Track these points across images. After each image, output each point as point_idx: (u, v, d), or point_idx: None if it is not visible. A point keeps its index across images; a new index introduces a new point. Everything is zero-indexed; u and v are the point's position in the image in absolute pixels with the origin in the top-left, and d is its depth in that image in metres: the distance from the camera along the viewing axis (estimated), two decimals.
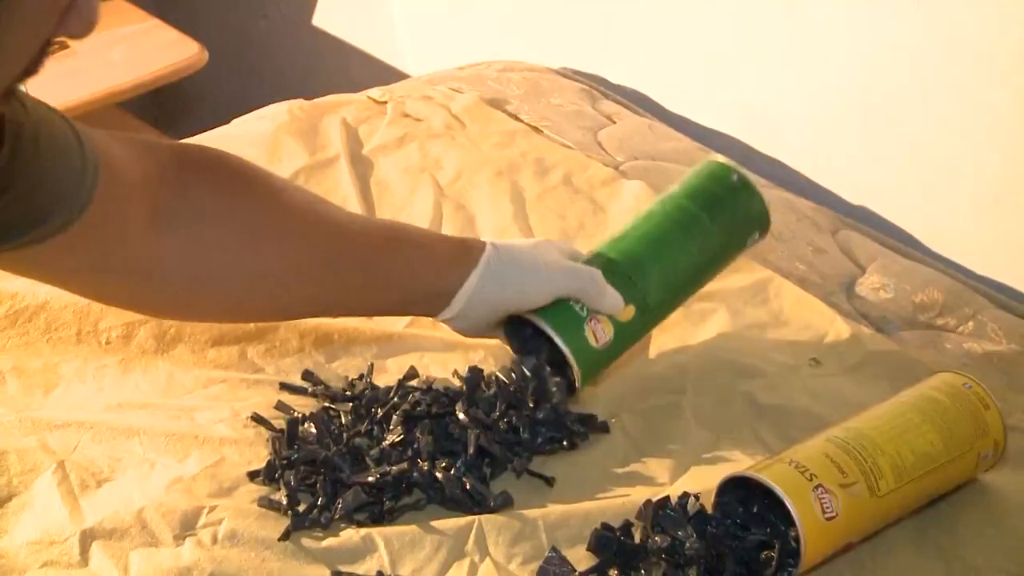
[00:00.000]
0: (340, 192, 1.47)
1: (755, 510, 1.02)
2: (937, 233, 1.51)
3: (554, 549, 1.01)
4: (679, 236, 1.18)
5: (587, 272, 1.11)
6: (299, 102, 1.63)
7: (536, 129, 1.63)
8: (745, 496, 1.02)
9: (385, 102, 1.67)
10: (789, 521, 0.98)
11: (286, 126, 1.57)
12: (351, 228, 1.10)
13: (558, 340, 1.11)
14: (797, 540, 0.97)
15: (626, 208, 1.46)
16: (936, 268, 1.45)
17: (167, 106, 2.60)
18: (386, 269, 1.08)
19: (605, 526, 1.02)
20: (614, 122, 1.68)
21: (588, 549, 1.01)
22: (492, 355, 1.22)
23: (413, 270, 1.10)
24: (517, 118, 1.65)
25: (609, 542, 1.01)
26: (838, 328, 1.31)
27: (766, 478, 0.99)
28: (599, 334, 1.11)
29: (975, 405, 1.09)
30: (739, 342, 1.27)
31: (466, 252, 1.10)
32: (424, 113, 1.64)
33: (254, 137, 1.55)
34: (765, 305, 1.33)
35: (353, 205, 1.45)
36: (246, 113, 1.64)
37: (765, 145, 1.66)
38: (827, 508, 0.98)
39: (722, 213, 1.19)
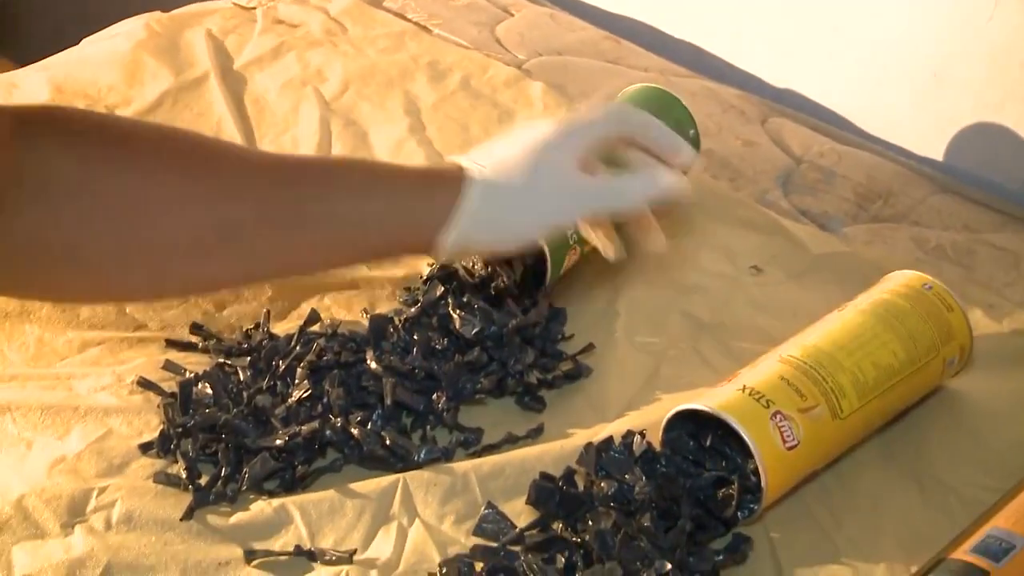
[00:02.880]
0: (213, 115, 1.43)
1: (708, 444, 1.00)
2: (873, 114, 1.50)
3: (490, 504, 0.99)
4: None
5: (611, 184, 0.95)
6: (156, 15, 1.58)
7: (426, 28, 1.60)
8: (695, 429, 1.01)
9: (253, 8, 1.62)
10: (747, 454, 0.96)
11: (144, 43, 1.52)
12: (280, 167, 0.92)
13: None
14: (757, 474, 0.96)
15: (535, 113, 1.43)
16: (876, 153, 1.45)
17: (1, 27, 2.51)
18: (321, 205, 0.90)
19: (544, 475, 1.00)
20: (512, 14, 1.65)
21: (528, 502, 0.99)
22: (400, 288, 1.18)
23: (359, 202, 0.90)
24: (404, 17, 1.62)
25: (550, 493, 0.99)
26: (779, 229, 1.29)
27: (718, 409, 0.97)
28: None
29: (937, 307, 1.08)
30: (671, 256, 1.24)
31: (439, 182, 0.91)
32: (299, 18, 1.60)
33: (109, 58, 1.50)
34: (697, 211, 1.31)
35: (229, 128, 1.41)
36: (97, 31, 1.57)
37: (679, 29, 1.64)
38: (787, 436, 0.97)
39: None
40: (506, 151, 0.92)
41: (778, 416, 0.97)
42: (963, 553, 0.88)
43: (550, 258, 1.15)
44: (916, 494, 1.03)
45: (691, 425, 1.00)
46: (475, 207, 0.89)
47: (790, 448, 0.97)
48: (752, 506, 0.97)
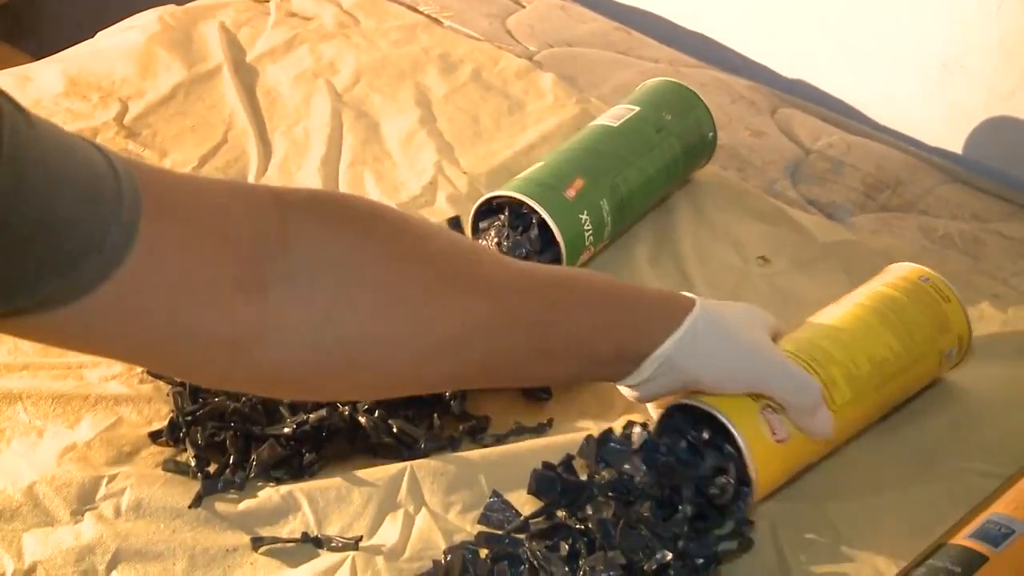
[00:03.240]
0: (226, 107, 1.43)
1: (706, 436, 1.00)
2: (883, 104, 1.50)
3: (496, 493, 0.99)
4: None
5: (805, 379, 0.97)
6: (170, 8, 1.59)
7: (437, 21, 1.60)
8: (694, 422, 1.00)
9: (267, 1, 1.62)
10: (738, 447, 0.96)
11: (158, 36, 1.53)
12: (527, 280, 0.92)
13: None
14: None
15: (546, 105, 1.43)
16: (885, 143, 1.44)
17: (22, 21, 2.51)
18: (574, 329, 0.92)
19: (546, 465, 1.00)
20: (523, 6, 1.66)
21: (529, 491, 0.99)
22: None
23: (607, 330, 0.93)
24: (415, 9, 1.62)
25: (551, 482, 0.99)
26: (786, 220, 1.29)
27: (707, 403, 0.97)
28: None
29: (934, 299, 1.07)
30: (680, 247, 1.25)
31: (670, 308, 0.94)
32: (312, 11, 1.60)
33: (124, 51, 1.51)
34: (706, 203, 1.31)
35: (241, 120, 1.41)
36: (112, 24, 1.58)
37: (689, 20, 1.64)
38: (777, 429, 0.96)
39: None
40: (735, 304, 1.01)
41: (768, 410, 0.97)
42: (962, 538, 0.88)
43: (565, 251, 1.16)
44: (917, 481, 1.03)
45: (689, 417, 1.00)
46: (694, 329, 0.93)
47: (779, 441, 0.96)
48: (746, 498, 0.97)
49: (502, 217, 1.19)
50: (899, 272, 1.09)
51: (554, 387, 1.10)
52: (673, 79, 1.33)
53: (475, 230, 1.21)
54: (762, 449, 0.96)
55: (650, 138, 1.26)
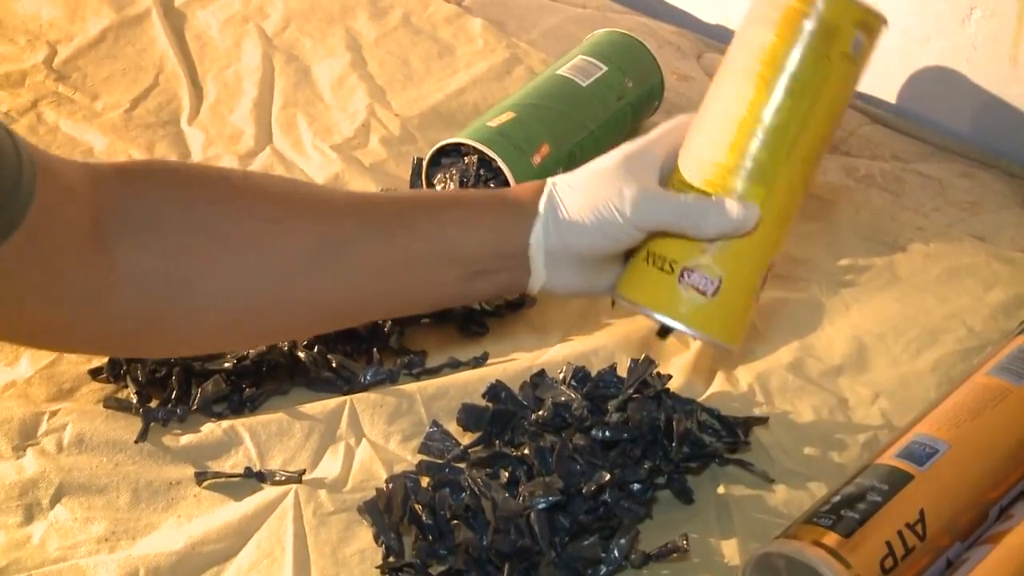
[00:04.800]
0: (155, 51, 1.43)
1: None
2: None
3: (435, 423, 1.01)
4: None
5: (687, 205, 0.83)
6: None
7: None
8: None
9: None
10: None
11: None
12: (361, 204, 0.90)
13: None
14: None
15: (476, 49, 1.43)
16: None
17: None
18: (418, 237, 0.86)
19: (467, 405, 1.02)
20: None
21: (458, 424, 1.01)
22: None
23: (454, 231, 0.87)
24: None
25: (480, 413, 1.01)
26: None
27: (631, 300, 0.85)
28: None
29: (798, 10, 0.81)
30: None
31: (518, 202, 0.87)
32: None
33: None
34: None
35: (171, 63, 1.41)
36: None
37: None
38: (703, 286, 0.83)
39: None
40: (589, 164, 0.87)
41: (686, 274, 0.83)
42: (889, 458, 0.89)
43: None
44: (837, 415, 1.05)
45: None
46: (555, 202, 0.85)
47: (714, 293, 0.83)
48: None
49: (467, 161, 1.19)
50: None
51: (450, 305, 1.02)
52: (639, 38, 1.34)
53: (432, 167, 1.22)
54: (704, 315, 0.83)
55: (611, 105, 1.29)
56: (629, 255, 0.85)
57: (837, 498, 0.87)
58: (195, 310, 0.84)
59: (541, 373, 1.04)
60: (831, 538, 0.84)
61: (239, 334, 0.89)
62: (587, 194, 0.84)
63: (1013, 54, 1.36)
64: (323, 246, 0.84)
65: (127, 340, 0.86)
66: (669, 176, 0.85)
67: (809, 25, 0.79)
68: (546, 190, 0.85)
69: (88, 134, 1.30)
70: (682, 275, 0.83)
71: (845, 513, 0.85)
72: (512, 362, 1.08)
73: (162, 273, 0.81)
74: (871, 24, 0.81)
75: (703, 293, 0.82)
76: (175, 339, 0.87)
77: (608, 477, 0.94)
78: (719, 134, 0.81)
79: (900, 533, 0.85)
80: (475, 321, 1.12)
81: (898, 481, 0.87)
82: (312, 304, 0.87)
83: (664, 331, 0.87)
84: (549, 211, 0.84)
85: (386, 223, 0.86)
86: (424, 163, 1.23)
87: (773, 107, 0.79)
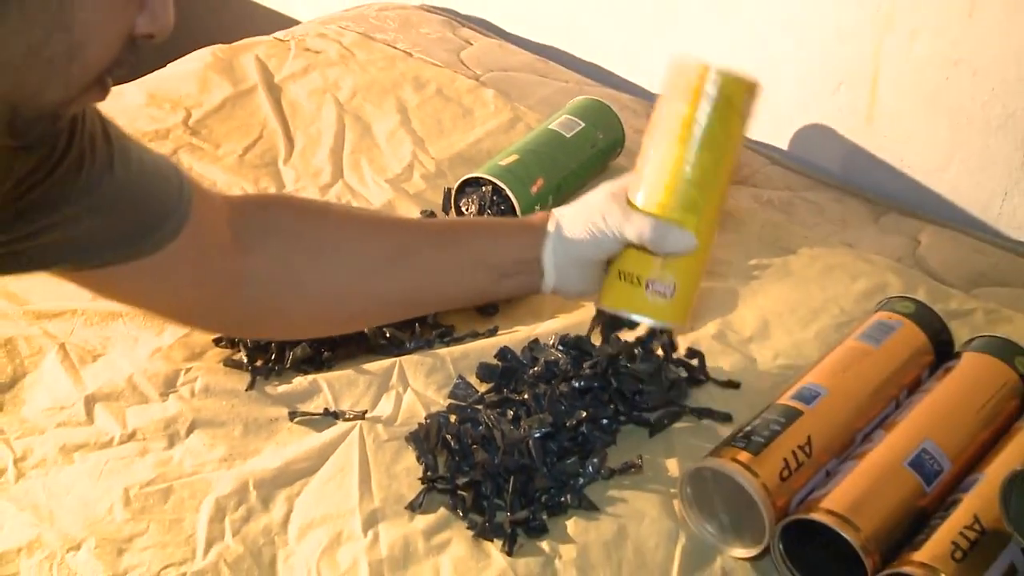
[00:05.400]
0: (261, 113, 1.41)
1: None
2: None
3: (460, 377, 1.00)
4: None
5: (648, 222, 0.80)
6: (219, 46, 1.55)
7: (410, 54, 1.58)
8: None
9: (288, 40, 1.60)
10: None
11: (211, 65, 1.50)
12: (419, 221, 0.94)
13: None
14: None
15: (489, 112, 1.43)
16: None
17: None
18: (463, 248, 0.86)
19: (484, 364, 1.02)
20: (471, 44, 1.64)
21: (476, 376, 1.00)
22: None
23: (491, 246, 0.86)
24: (394, 46, 1.60)
25: (492, 369, 1.00)
26: None
27: (610, 307, 0.84)
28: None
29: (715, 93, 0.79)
30: None
31: (531, 224, 0.86)
32: (321, 47, 1.58)
33: (186, 75, 1.48)
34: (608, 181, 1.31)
35: (272, 122, 1.40)
36: (176, 59, 1.55)
37: (587, 53, 1.63)
38: (665, 291, 0.81)
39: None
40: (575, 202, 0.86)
41: (650, 284, 0.82)
42: (786, 399, 0.89)
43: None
44: (749, 371, 1.04)
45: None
46: (558, 238, 0.83)
47: (671, 297, 0.81)
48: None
49: (484, 190, 1.19)
50: (684, 75, 0.80)
51: (483, 301, 1.06)
52: (607, 103, 1.33)
53: (459, 195, 1.21)
54: (666, 311, 0.81)
55: (587, 151, 1.28)
56: (606, 271, 0.83)
57: (749, 428, 0.87)
58: (304, 300, 0.83)
59: (536, 341, 1.03)
60: (744, 456, 0.83)
61: (337, 320, 0.88)
62: (583, 218, 0.83)
63: (868, 115, 1.35)
64: (398, 251, 0.84)
65: (255, 323, 0.87)
66: None
67: (711, 98, 0.77)
68: (553, 217, 0.84)
69: (212, 172, 1.29)
70: (647, 285, 0.81)
71: (754, 438, 0.85)
72: (515, 333, 1.07)
73: (280, 271, 0.82)
74: (753, 90, 0.79)
75: (664, 296, 0.81)
76: (289, 324, 0.87)
77: (584, 414, 0.94)
78: (658, 181, 0.79)
79: (793, 452, 0.84)
80: (489, 304, 1.10)
81: (792, 415, 0.87)
82: (389, 296, 0.85)
83: (608, 327, 0.91)
84: (556, 231, 0.83)
85: (440, 238, 0.87)
86: (453, 191, 1.22)
87: (693, 158, 0.78)
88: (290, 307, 0.84)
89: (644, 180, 0.80)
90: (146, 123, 1.36)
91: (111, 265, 0.74)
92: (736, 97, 0.79)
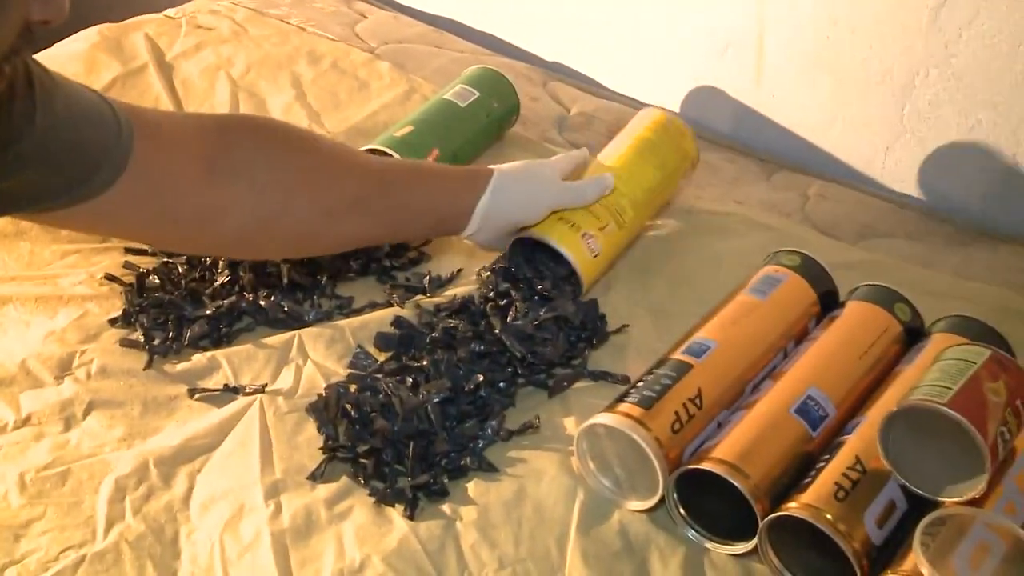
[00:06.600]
0: (153, 92, 1.39)
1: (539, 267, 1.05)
2: (616, 76, 1.52)
3: (359, 346, 1.00)
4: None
5: (581, 188, 1.04)
6: (106, 25, 1.52)
7: (304, 29, 1.56)
8: (531, 254, 1.05)
9: (179, 18, 1.57)
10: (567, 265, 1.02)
11: (98, 45, 1.47)
12: (380, 167, 0.98)
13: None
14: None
15: (384, 84, 1.42)
16: (620, 102, 1.46)
17: None
18: (416, 198, 0.97)
19: (393, 323, 1.02)
20: (366, 17, 1.63)
21: (375, 345, 1.00)
22: None
23: (436, 196, 0.98)
24: (288, 22, 1.58)
25: (389, 338, 1.00)
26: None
27: (542, 236, 1.02)
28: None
29: (676, 134, 1.15)
30: None
31: (475, 178, 0.99)
32: (213, 24, 1.55)
33: (72, 55, 1.44)
34: (505, 151, 1.32)
35: (164, 101, 1.37)
36: (63, 39, 1.51)
37: (481, 23, 1.63)
38: (593, 248, 1.02)
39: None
40: (519, 163, 1.03)
41: (585, 235, 1.02)
42: (677, 354, 0.91)
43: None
44: (650, 326, 1.05)
45: (528, 251, 1.05)
46: (493, 193, 0.98)
47: (595, 256, 1.02)
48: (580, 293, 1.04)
49: None
50: (651, 116, 1.16)
51: (418, 240, 1.13)
52: (502, 72, 1.32)
53: None
54: (585, 264, 1.02)
55: (482, 120, 1.27)
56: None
57: (640, 383, 0.88)
58: (274, 235, 0.90)
59: (434, 308, 1.04)
60: (636, 411, 0.85)
61: (308, 246, 0.97)
62: (522, 186, 0.98)
63: (755, 77, 1.37)
64: (358, 197, 0.92)
65: (240, 246, 0.94)
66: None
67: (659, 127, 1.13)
68: (496, 175, 0.97)
69: None
70: (583, 235, 1.01)
71: (646, 393, 0.86)
72: (413, 301, 1.07)
73: (257, 203, 0.87)
74: (695, 160, 1.16)
75: (591, 250, 1.02)
76: (271, 247, 0.96)
77: (482, 378, 0.94)
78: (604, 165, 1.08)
79: (684, 405, 0.86)
80: (387, 275, 1.10)
81: (682, 369, 0.88)
82: (349, 232, 0.95)
83: (521, 262, 1.03)
84: (495, 190, 0.97)
85: (394, 184, 0.95)
86: None
87: (658, 181, 1.09)
88: (268, 234, 0.90)
89: (599, 165, 1.08)
90: None
91: (58, 209, 0.75)
92: (677, 134, 1.13)
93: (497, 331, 0.98)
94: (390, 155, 1.16)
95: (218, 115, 0.86)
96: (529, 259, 1.05)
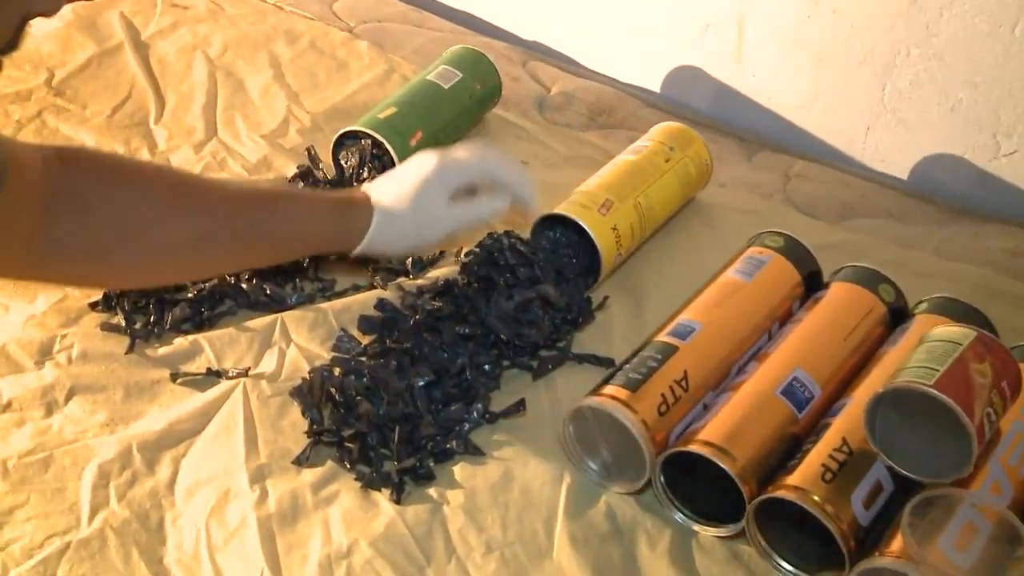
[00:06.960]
0: (128, 72, 1.37)
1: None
2: (596, 56, 1.51)
3: (343, 330, 0.99)
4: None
5: (470, 209, 0.96)
6: (80, 3, 1.50)
7: (281, 8, 1.55)
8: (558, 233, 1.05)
9: None
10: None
11: (72, 23, 1.45)
12: (233, 201, 0.90)
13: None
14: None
15: (363, 64, 1.41)
16: (600, 82, 1.45)
17: None
18: (279, 228, 0.91)
19: (376, 306, 1.01)
20: None
21: (358, 328, 0.99)
22: None
23: (304, 226, 0.92)
24: (265, 1, 1.56)
25: (373, 321, 0.99)
26: (538, 138, 1.31)
27: (567, 213, 1.02)
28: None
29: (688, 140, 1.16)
30: None
31: (349, 206, 0.93)
32: (189, 2, 1.53)
33: (47, 34, 1.42)
34: (487, 130, 1.32)
35: (140, 81, 1.35)
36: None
37: (460, 2, 1.62)
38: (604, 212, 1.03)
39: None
40: (400, 187, 0.94)
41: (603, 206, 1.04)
42: (663, 336, 0.90)
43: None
44: (635, 308, 1.05)
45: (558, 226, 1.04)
46: (377, 230, 0.92)
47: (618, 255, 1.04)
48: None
49: (363, 143, 1.17)
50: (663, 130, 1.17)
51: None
52: (484, 52, 1.31)
53: (338, 148, 1.19)
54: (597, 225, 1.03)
55: (464, 102, 1.26)
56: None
57: (627, 366, 0.88)
58: (110, 269, 0.87)
59: (418, 290, 1.03)
60: (622, 393, 0.84)
61: (143, 283, 0.97)
62: (409, 220, 0.93)
63: (736, 57, 1.37)
64: (195, 242, 0.87)
65: (74, 280, 0.92)
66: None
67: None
68: (376, 214, 0.92)
69: (80, 134, 1.25)
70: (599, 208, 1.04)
71: (632, 375, 0.86)
72: (396, 284, 1.06)
73: (84, 243, 0.83)
74: (709, 165, 1.16)
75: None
76: (105, 282, 0.94)
77: (467, 361, 0.94)
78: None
79: (671, 387, 0.86)
80: (371, 260, 1.10)
81: (668, 351, 0.88)
82: (185, 275, 0.96)
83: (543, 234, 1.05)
84: (380, 226, 0.92)
85: (249, 216, 0.89)
86: (313, 151, 1.21)
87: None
88: (96, 273, 0.87)
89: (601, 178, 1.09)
90: (6, 84, 1.31)
91: None
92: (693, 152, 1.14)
93: (482, 314, 0.97)
94: (375, 137, 1.15)
95: (60, 147, 0.84)
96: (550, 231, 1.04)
